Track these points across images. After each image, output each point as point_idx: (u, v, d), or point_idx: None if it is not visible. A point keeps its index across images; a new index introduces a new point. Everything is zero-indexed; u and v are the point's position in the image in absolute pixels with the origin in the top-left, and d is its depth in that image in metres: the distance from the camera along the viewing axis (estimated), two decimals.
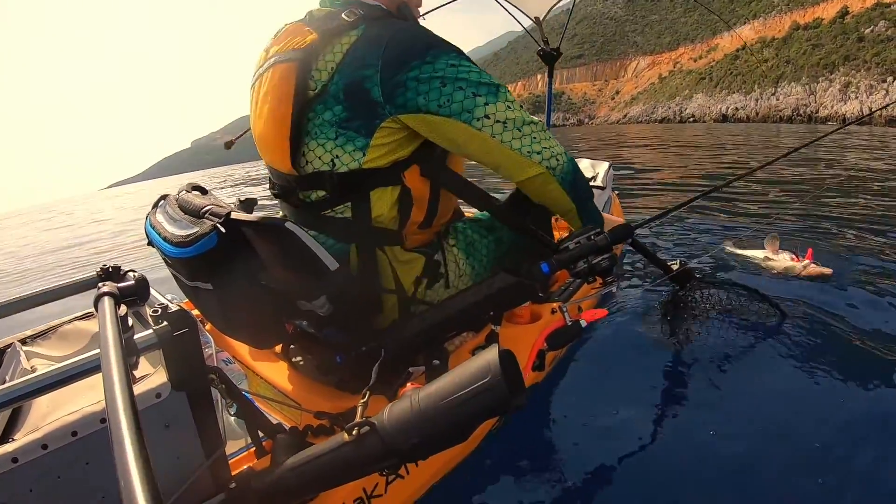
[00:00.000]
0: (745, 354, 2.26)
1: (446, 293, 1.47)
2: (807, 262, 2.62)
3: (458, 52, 1.23)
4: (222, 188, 19.17)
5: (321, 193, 1.32)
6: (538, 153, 1.25)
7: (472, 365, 0.83)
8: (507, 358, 0.81)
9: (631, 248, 1.94)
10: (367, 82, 1.19)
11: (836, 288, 2.73)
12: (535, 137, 1.25)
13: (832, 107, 35.17)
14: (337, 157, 1.25)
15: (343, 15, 1.24)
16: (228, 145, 2.87)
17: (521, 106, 1.28)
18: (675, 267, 2.28)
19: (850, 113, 29.19)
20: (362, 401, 0.98)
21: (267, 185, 1.54)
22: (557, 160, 1.29)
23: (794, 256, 2.71)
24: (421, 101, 1.20)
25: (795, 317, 2.38)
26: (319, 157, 1.27)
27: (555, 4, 3.43)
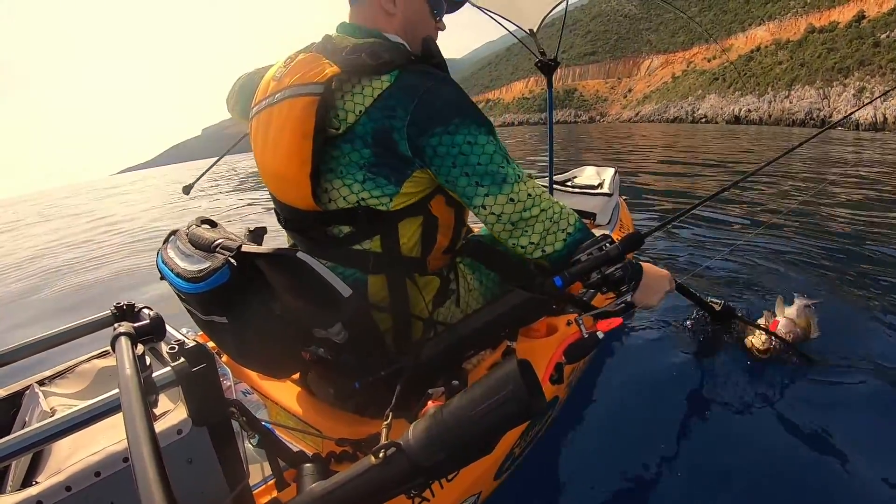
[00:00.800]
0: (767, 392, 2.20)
1: (458, 311, 1.46)
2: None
3: (480, 123, 1.22)
4: (228, 181, 19.31)
5: (346, 229, 1.31)
6: (523, 247, 1.26)
7: (492, 377, 0.84)
8: (524, 367, 0.83)
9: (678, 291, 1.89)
10: (396, 134, 1.18)
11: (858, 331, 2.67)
12: (526, 230, 1.24)
13: (846, 112, 34.87)
14: (363, 199, 1.25)
15: (364, 55, 1.20)
16: (186, 190, 3.05)
17: (532, 193, 1.24)
18: (717, 308, 2.38)
19: (864, 119, 28.98)
20: (385, 422, 0.98)
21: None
22: (551, 247, 1.26)
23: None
24: (433, 169, 1.22)
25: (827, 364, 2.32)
26: (345, 197, 1.26)
27: (546, 16, 3.44)
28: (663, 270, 1.46)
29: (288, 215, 1.41)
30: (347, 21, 1.40)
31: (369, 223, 1.28)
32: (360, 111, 1.20)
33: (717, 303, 2.40)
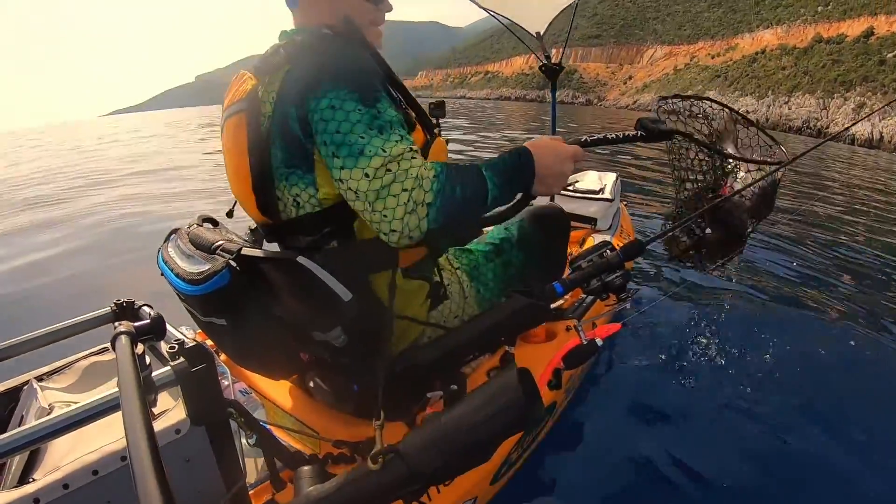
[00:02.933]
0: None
1: (453, 317, 1.45)
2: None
3: (354, 89, 1.08)
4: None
5: (307, 239, 1.25)
6: (385, 233, 1.06)
7: (492, 385, 0.84)
8: (524, 376, 0.83)
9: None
10: (290, 118, 1.11)
11: None
12: (385, 215, 1.04)
13: (843, 125, 34.82)
14: (297, 195, 1.19)
15: (281, 49, 1.17)
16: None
17: (395, 169, 1.04)
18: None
19: (861, 134, 28.97)
20: (377, 423, 0.97)
21: None
22: (417, 231, 1.06)
23: None
24: (316, 143, 1.12)
25: None
26: (285, 203, 1.20)
27: (553, 19, 3.46)
28: (563, 145, 1.27)
29: (260, 230, 1.37)
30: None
31: (324, 224, 1.21)
32: (271, 110, 1.14)
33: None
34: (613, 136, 1.62)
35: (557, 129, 3.62)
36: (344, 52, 1.14)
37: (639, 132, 1.64)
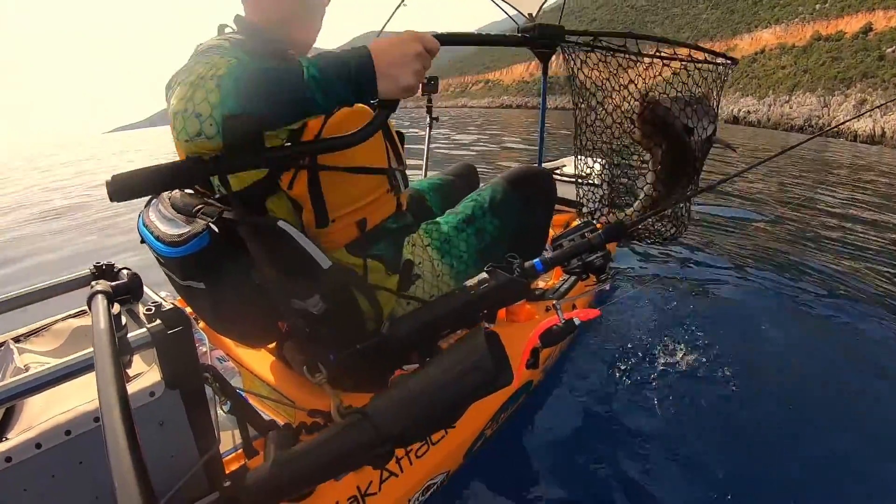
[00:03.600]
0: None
1: (429, 297, 1.42)
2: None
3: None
4: None
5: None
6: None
7: (460, 347, 0.84)
8: (492, 339, 0.83)
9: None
10: None
11: None
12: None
13: (845, 121, 34.78)
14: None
15: None
16: None
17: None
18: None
19: (862, 130, 29.04)
20: (337, 392, 0.97)
21: None
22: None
23: None
24: None
25: None
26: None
27: (545, 2, 3.44)
28: (404, 35, 0.99)
29: None
30: None
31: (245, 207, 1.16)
32: None
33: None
34: (484, 35, 1.22)
35: (558, 130, 3.60)
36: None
37: (521, 35, 1.40)
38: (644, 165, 1.99)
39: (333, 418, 0.87)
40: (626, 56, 1.68)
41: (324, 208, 1.22)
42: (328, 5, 1.34)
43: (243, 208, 1.14)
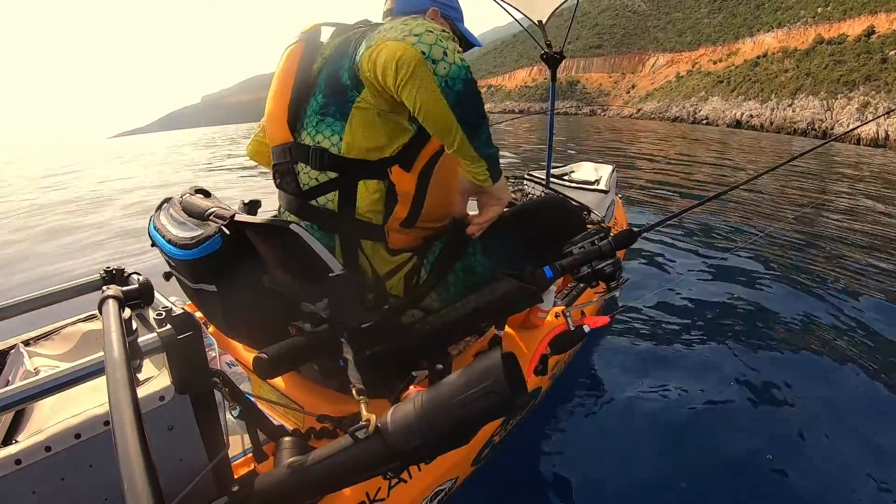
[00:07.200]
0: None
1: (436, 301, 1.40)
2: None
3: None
4: (230, 147, 19.26)
5: (313, 175, 1.27)
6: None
7: (475, 368, 0.83)
8: (509, 360, 0.82)
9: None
10: (341, 70, 1.22)
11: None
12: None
13: (848, 125, 34.56)
14: (318, 142, 1.25)
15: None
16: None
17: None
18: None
19: (866, 134, 28.87)
20: (361, 399, 0.98)
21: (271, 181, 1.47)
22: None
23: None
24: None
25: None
26: (307, 134, 1.28)
27: (556, 9, 3.44)
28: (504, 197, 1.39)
29: (276, 160, 1.37)
30: None
31: (331, 168, 1.25)
32: (323, 61, 1.30)
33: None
34: None
35: (557, 135, 3.60)
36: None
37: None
38: None
39: (350, 434, 0.87)
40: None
41: (419, 206, 1.33)
42: None
43: (328, 165, 1.25)
